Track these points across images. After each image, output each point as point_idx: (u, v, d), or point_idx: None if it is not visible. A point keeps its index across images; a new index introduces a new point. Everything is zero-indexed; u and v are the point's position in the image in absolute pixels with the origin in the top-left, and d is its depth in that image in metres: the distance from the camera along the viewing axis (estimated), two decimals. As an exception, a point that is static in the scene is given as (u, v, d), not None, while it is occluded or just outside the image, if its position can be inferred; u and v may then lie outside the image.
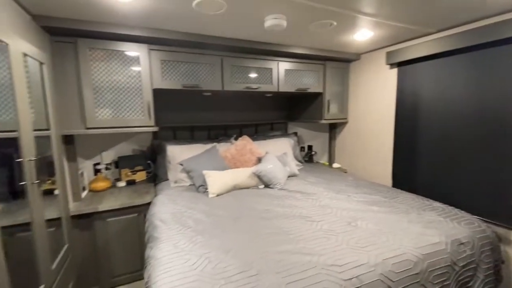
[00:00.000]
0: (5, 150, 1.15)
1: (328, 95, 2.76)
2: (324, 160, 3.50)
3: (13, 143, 1.06)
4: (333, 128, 3.26)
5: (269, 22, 1.59)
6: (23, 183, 1.09)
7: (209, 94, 2.51)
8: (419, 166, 2.22)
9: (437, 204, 1.73)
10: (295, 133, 3.24)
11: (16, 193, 1.19)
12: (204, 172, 2.08)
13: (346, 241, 1.26)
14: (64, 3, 1.35)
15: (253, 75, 2.38)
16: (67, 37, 1.69)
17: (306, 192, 2.02)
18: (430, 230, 1.37)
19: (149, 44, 1.92)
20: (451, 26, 1.85)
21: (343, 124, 3.08)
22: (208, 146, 2.44)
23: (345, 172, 2.95)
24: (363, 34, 1.98)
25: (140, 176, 2.41)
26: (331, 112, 2.83)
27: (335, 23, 1.71)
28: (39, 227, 1.19)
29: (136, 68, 1.91)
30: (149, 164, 2.49)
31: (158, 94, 2.27)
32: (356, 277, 1.01)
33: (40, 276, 1.17)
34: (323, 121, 2.78)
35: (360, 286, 0.99)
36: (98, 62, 1.79)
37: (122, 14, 1.52)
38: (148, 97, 1.96)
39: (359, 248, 1.19)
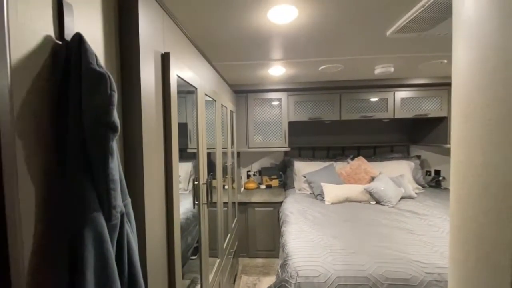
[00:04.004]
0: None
1: (455, 119, 2.68)
2: (455, 187, 3.20)
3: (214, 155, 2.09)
4: (467, 153, 2.99)
5: (378, 70, 2.04)
6: (226, 176, 2.10)
7: (328, 122, 3.11)
8: None
9: None
10: (418, 156, 3.23)
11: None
12: (322, 184, 2.67)
13: (440, 252, 1.48)
14: (243, 78, 2.40)
15: (368, 105, 2.78)
16: (242, 93, 2.83)
17: (417, 212, 2.17)
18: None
19: (287, 92, 2.80)
20: None
21: (479, 149, 2.79)
22: (326, 163, 3.01)
23: (481, 203, 2.65)
24: (486, 62, 1.99)
25: (275, 183, 3.30)
26: (460, 136, 2.69)
27: (445, 61, 1.91)
28: (230, 203, 2.19)
29: (278, 108, 2.83)
30: (281, 174, 3.35)
31: (290, 124, 3.12)
32: (437, 273, 1.29)
33: (228, 229, 2.15)
34: (448, 146, 2.70)
35: (441, 281, 1.26)
36: (257, 106, 2.84)
37: (273, 79, 2.45)
38: (285, 127, 2.83)
39: (451, 259, 1.40)
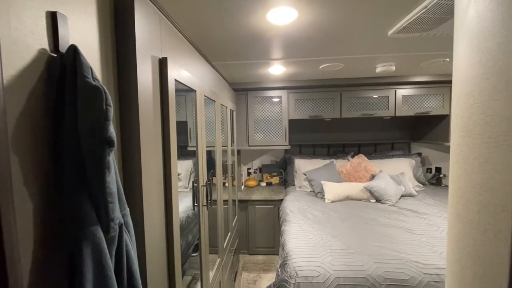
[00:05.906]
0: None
1: (456, 117, 2.66)
2: (456, 184, 3.20)
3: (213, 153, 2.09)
4: (468, 151, 2.98)
5: (379, 68, 2.01)
6: (227, 175, 2.11)
7: (329, 119, 3.10)
8: None
9: None
10: (419, 154, 3.22)
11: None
12: (323, 182, 2.67)
13: (439, 253, 1.48)
14: (242, 76, 2.38)
15: (368, 103, 2.76)
16: (243, 92, 2.81)
17: (416, 211, 2.18)
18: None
19: (288, 89, 2.78)
20: None
21: (480, 147, 2.78)
22: (327, 161, 3.01)
23: (481, 201, 2.65)
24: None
25: (275, 180, 3.31)
26: (461, 134, 2.68)
27: (447, 59, 1.89)
28: (230, 201, 2.19)
29: (279, 106, 2.81)
30: (281, 172, 3.36)
31: (290, 121, 3.10)
32: (436, 274, 1.30)
33: (229, 227, 2.16)
34: (449, 144, 2.69)
35: (438, 281, 1.27)
36: (257, 104, 2.82)
37: (274, 77, 2.43)
38: (285, 125, 2.81)
39: (450, 259, 1.41)
